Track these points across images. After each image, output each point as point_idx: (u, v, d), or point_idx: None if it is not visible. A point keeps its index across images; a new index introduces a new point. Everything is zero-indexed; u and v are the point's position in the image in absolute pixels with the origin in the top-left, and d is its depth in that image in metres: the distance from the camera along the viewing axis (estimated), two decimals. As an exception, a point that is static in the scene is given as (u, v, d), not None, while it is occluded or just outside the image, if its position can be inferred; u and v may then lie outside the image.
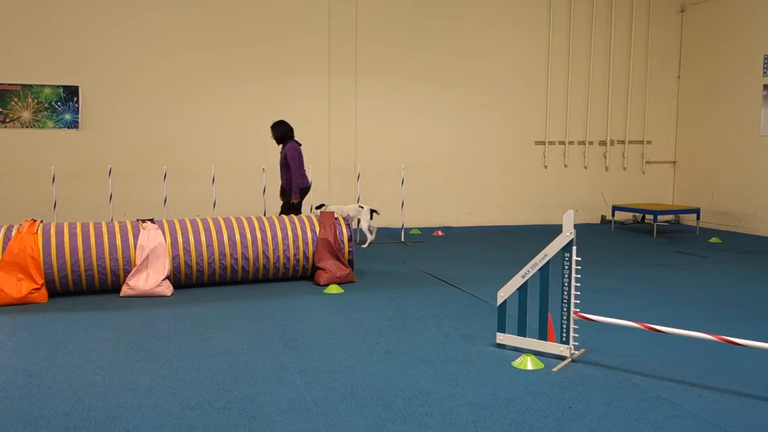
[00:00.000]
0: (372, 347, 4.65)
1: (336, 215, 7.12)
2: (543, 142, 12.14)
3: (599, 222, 12.47)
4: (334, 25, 11.00)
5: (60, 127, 10.10)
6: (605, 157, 12.47)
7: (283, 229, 6.82)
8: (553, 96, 12.06)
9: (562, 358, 4.35)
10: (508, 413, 3.52)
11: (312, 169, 9.65)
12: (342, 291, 6.45)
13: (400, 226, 10.16)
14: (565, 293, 4.24)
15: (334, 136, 11.12)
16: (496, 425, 3.37)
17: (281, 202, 8.60)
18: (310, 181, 8.64)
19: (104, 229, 6.31)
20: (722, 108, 11.67)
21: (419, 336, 4.95)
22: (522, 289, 4.43)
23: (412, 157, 11.29)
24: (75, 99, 10.11)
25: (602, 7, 12.17)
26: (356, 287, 6.63)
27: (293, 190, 8.24)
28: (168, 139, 10.48)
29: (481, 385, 3.92)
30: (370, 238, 9.31)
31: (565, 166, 12.30)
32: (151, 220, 6.54)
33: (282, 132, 8.41)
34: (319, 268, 6.77)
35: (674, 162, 12.81)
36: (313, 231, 6.91)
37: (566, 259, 4.22)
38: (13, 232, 6.03)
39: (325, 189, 11.01)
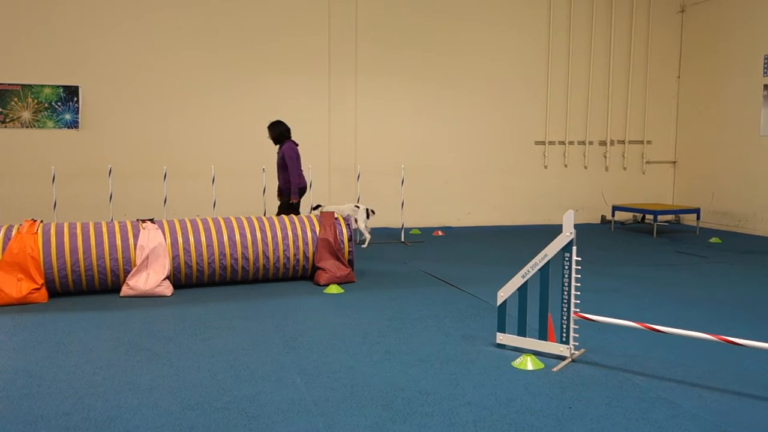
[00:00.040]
0: (372, 347, 4.65)
1: (336, 215, 7.13)
2: (543, 142, 12.14)
3: (599, 222, 12.47)
4: (334, 25, 11.00)
5: (60, 127, 10.10)
6: (605, 157, 12.47)
7: (283, 229, 6.82)
8: (553, 96, 12.06)
9: (562, 358, 4.35)
10: (508, 413, 3.52)
11: (312, 169, 9.65)
12: (342, 291, 6.45)
13: (400, 226, 10.16)
14: (565, 293, 4.24)
15: (334, 136, 11.12)
16: (496, 425, 3.37)
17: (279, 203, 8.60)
18: (307, 181, 8.63)
19: (104, 229, 6.31)
20: (722, 108, 11.67)
21: (419, 336, 4.95)
22: (522, 289, 4.43)
23: (412, 157, 11.29)
24: (75, 99, 10.11)
25: (602, 7, 12.17)
26: (356, 287, 6.63)
27: (292, 190, 8.24)
28: (168, 139, 10.49)
29: (481, 385, 3.92)
30: (368, 237, 9.31)
31: (565, 166, 12.30)
32: (151, 220, 6.54)
33: (279, 132, 8.39)
34: (319, 268, 6.77)
35: (674, 162, 12.81)
36: (313, 231, 6.91)
37: (566, 259, 4.22)
38: (13, 232, 6.04)
39: (325, 189, 11.01)
